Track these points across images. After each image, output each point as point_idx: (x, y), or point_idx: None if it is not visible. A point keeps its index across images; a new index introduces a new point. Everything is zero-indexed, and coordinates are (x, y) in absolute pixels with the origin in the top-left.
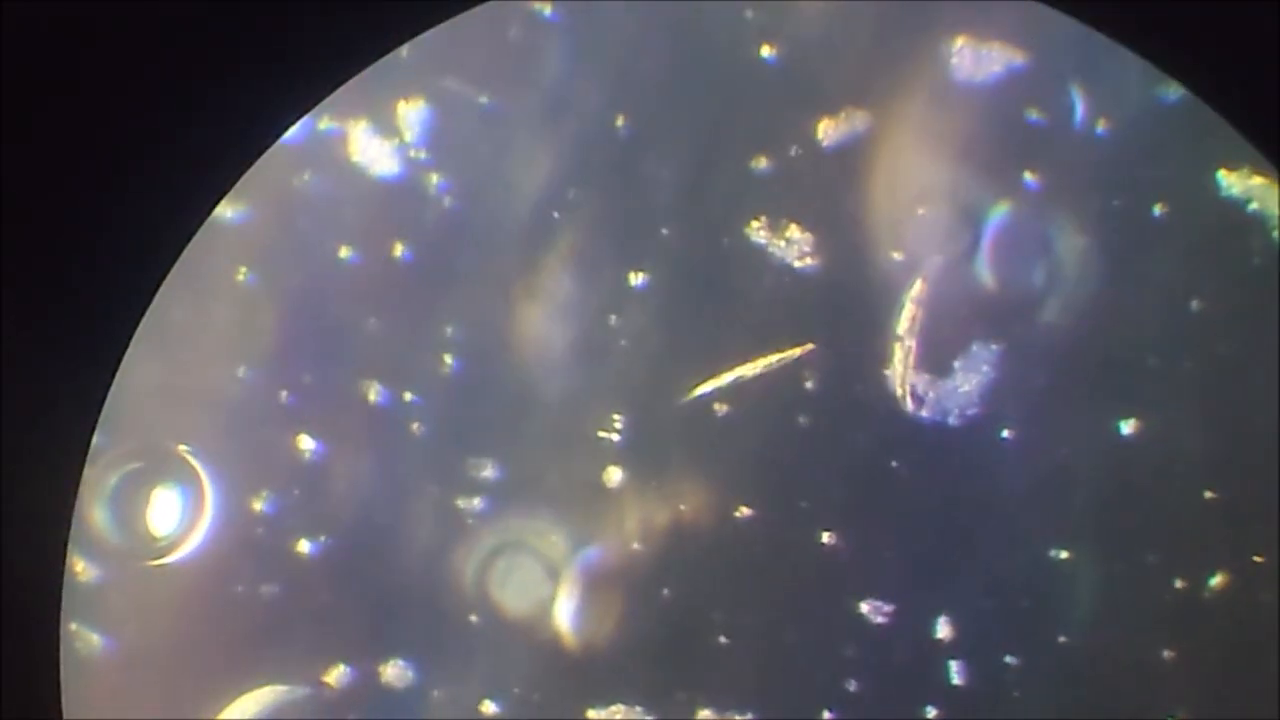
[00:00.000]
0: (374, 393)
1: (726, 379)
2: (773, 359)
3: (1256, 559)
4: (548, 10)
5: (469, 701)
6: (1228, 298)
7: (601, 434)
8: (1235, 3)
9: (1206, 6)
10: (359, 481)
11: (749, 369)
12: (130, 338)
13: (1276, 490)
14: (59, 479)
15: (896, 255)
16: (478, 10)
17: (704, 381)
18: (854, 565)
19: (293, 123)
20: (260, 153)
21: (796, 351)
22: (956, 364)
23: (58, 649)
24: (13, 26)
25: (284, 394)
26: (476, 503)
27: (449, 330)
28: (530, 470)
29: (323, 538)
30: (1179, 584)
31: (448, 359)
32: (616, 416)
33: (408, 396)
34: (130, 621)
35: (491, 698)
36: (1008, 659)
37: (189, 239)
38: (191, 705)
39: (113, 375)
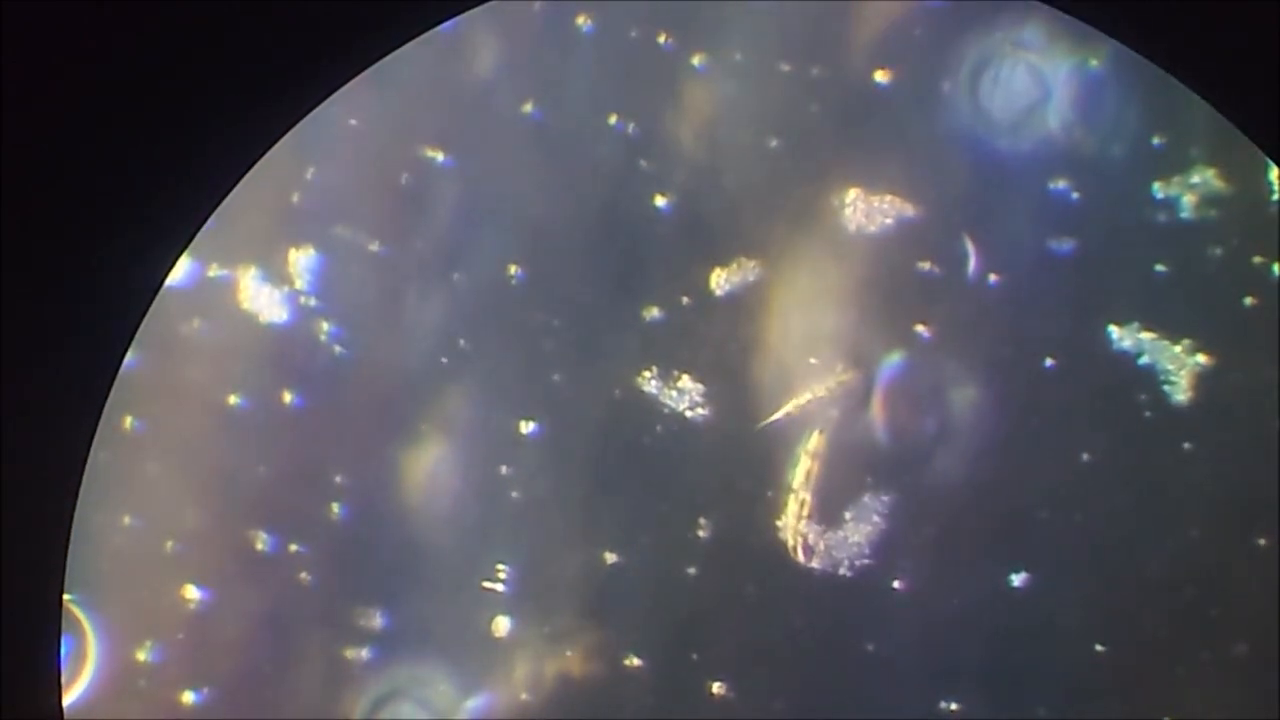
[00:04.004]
0: (261, 541)
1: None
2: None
3: None
4: (441, 157)
5: None
6: (1118, 451)
7: (489, 584)
8: (1237, 2)
9: (1208, 5)
10: (245, 631)
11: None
12: (134, 334)
13: (1165, 644)
14: (59, 479)
15: (789, 406)
16: (373, 154)
17: (770, 415)
18: (745, 716)
19: (291, 126)
20: (260, 155)
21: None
22: (848, 514)
23: (58, 650)
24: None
25: (170, 543)
26: (364, 652)
27: (338, 478)
28: (418, 619)
29: (207, 689)
30: None
31: (336, 507)
32: (503, 566)
33: (294, 547)
34: None
35: None
36: None
37: (196, 231)
38: None
39: (114, 374)
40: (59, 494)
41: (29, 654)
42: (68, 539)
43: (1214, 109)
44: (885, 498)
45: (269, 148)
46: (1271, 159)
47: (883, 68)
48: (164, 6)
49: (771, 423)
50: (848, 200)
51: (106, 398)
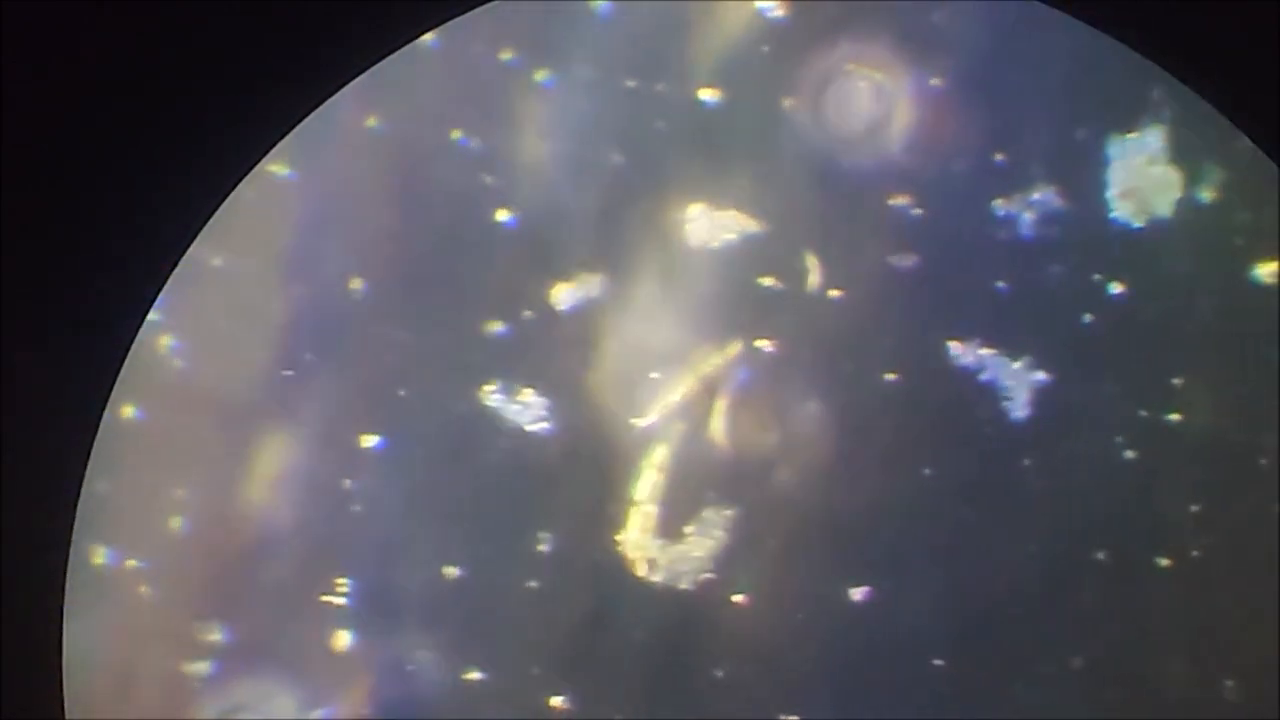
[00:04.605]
0: (100, 556)
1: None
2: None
3: None
4: (283, 170)
5: None
6: (958, 466)
7: (330, 598)
8: (1237, 2)
9: (1208, 5)
10: (83, 646)
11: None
12: (135, 334)
13: (1004, 657)
14: (59, 480)
15: (632, 420)
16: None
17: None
18: None
19: (292, 126)
20: (259, 156)
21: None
22: (689, 529)
23: (59, 650)
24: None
25: None
26: (205, 667)
27: (178, 492)
28: (260, 633)
29: None
30: None
31: (176, 521)
32: (344, 580)
33: (133, 562)
34: None
35: None
36: None
37: (196, 232)
38: None
39: (116, 374)
40: (59, 495)
41: (30, 653)
42: (68, 539)
43: (1216, 110)
44: (727, 512)
45: (270, 147)
46: (1271, 159)
47: (726, 84)
48: (164, 6)
49: (637, 430)
50: (690, 215)
51: (108, 399)
